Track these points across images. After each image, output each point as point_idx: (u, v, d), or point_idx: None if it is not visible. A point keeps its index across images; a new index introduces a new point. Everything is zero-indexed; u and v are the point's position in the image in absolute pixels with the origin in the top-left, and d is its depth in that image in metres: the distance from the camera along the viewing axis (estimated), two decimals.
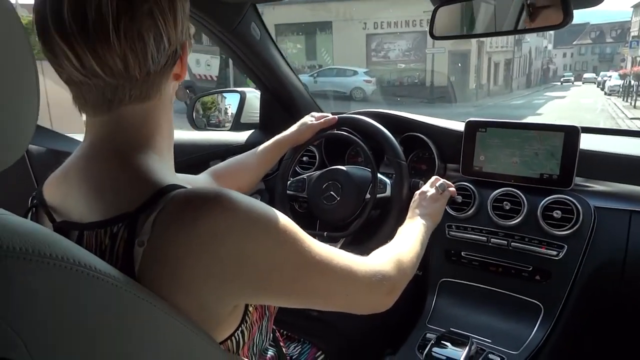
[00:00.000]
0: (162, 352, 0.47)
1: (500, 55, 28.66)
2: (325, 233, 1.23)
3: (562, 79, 48.74)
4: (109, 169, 0.57)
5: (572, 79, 48.75)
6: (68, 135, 1.28)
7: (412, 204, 1.03)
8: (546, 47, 51.26)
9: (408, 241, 0.87)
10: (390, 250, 0.79)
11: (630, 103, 19.60)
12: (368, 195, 1.21)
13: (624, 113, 16.27)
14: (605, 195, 1.14)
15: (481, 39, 14.08)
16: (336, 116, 1.29)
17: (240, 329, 0.60)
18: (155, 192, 0.53)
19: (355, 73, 17.25)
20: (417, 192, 1.06)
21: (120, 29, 0.51)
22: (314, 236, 0.61)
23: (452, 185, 1.11)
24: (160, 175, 0.57)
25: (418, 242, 0.88)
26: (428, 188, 1.06)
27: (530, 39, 35.96)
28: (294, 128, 1.25)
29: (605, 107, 19.14)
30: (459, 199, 1.24)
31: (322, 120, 1.25)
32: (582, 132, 1.13)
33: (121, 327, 0.43)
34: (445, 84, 21.15)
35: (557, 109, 19.53)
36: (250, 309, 0.61)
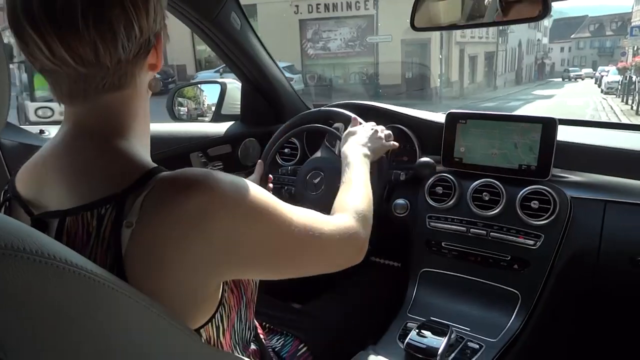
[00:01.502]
0: (140, 345, 0.46)
1: (477, 48, 23.92)
2: None
3: (571, 75, 41.83)
4: (91, 154, 0.57)
5: (582, 74, 41.24)
6: (41, 130, 1.26)
7: (353, 139, 1.04)
8: (540, 40, 45.83)
9: (361, 190, 0.88)
10: (351, 206, 0.81)
11: (632, 106, 15.35)
12: None
13: (619, 120, 12.21)
14: (581, 186, 1.17)
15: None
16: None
17: (218, 312, 0.60)
18: (144, 174, 0.54)
19: (290, 68, 14.03)
20: (362, 124, 1.09)
21: (89, 18, 0.50)
22: None
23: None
24: (145, 158, 0.58)
25: (368, 188, 0.90)
26: (368, 125, 1.09)
27: (517, 30, 31.24)
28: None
29: (597, 112, 15.60)
30: (440, 189, 1.26)
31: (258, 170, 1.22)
32: (560, 124, 1.15)
33: (98, 320, 0.42)
34: (398, 82, 17.18)
35: (532, 112, 15.88)
36: (226, 293, 0.62)
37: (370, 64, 17.53)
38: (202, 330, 0.58)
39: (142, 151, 0.60)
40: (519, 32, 32.23)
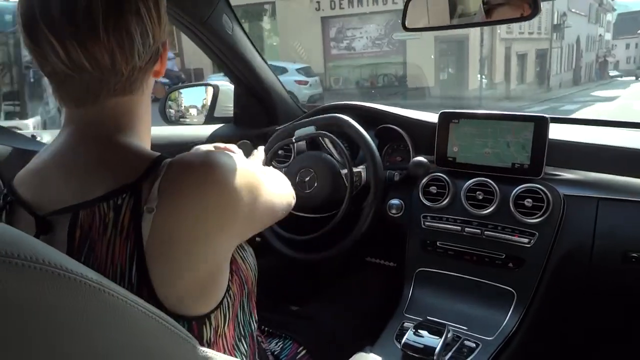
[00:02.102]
0: (138, 351, 0.46)
1: (527, 45, 21.11)
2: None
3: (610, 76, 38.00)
4: (99, 151, 0.58)
5: (621, 74, 38.83)
6: (33, 136, 1.25)
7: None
8: (601, 36, 39.29)
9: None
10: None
11: None
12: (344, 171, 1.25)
13: None
14: (573, 184, 1.17)
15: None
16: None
17: (225, 297, 0.63)
18: (152, 161, 0.56)
19: (283, 71, 12.40)
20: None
21: (109, 25, 0.53)
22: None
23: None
24: (149, 150, 0.61)
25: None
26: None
27: (575, 25, 26.37)
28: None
29: None
30: (434, 189, 1.26)
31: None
32: (551, 122, 1.16)
33: (93, 327, 0.42)
34: (430, 84, 15.21)
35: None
36: (230, 282, 0.64)
37: (400, 65, 15.76)
38: (212, 316, 0.60)
39: (146, 146, 0.63)
40: (576, 27, 27.71)
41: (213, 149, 1.00)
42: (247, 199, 0.61)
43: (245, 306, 0.71)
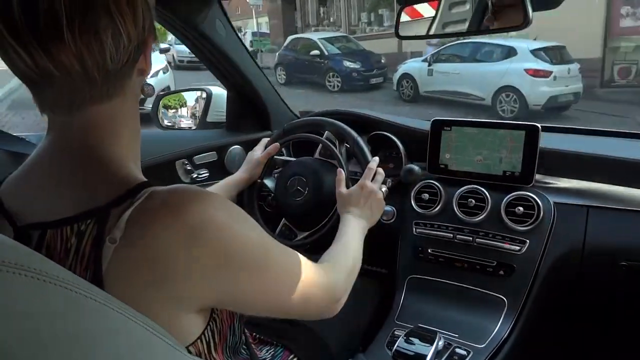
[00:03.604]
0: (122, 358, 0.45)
1: None
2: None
3: None
4: (75, 166, 0.55)
5: None
6: (24, 137, 1.23)
7: (359, 198, 1.05)
8: None
9: (355, 248, 0.92)
10: (342, 259, 0.85)
11: None
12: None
13: None
14: (564, 192, 1.18)
15: None
16: (277, 143, 1.32)
17: (209, 327, 0.59)
18: (131, 188, 0.52)
19: (509, 53, 7.95)
20: (364, 185, 1.07)
21: (75, 27, 0.47)
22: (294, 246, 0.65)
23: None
24: (132, 172, 0.56)
25: (361, 249, 0.94)
26: (376, 189, 1.08)
27: None
28: (242, 168, 1.30)
29: None
30: (426, 196, 1.26)
31: (265, 153, 1.30)
32: (542, 130, 1.17)
33: (78, 334, 0.41)
34: None
35: None
36: (218, 309, 0.61)
37: None
38: (191, 348, 0.56)
39: (131, 163, 0.57)
40: None
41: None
42: (245, 243, 0.55)
43: (237, 329, 0.68)
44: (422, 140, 1.32)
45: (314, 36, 13.10)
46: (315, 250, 1.25)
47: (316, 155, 1.40)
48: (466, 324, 1.12)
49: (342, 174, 1.11)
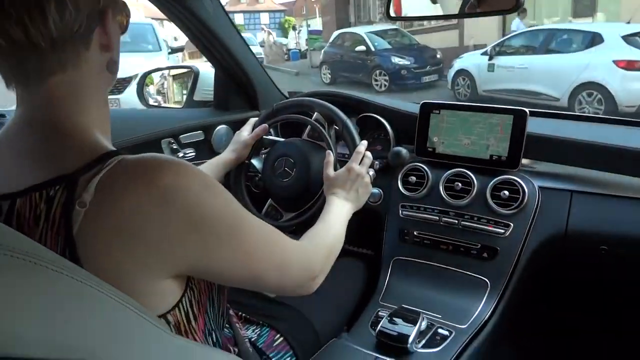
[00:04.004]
0: (100, 336, 0.44)
1: None
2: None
3: None
4: (41, 137, 0.55)
5: None
6: (4, 115, 1.21)
7: (345, 181, 1.06)
8: None
9: (337, 230, 0.92)
10: (323, 238, 0.85)
11: None
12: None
13: None
14: (549, 176, 1.19)
15: None
16: (266, 124, 1.30)
17: (186, 296, 0.59)
18: (99, 156, 0.53)
19: (594, 40, 6.13)
20: (352, 168, 1.07)
21: None
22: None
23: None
24: (100, 141, 0.56)
25: (343, 231, 0.95)
26: (364, 172, 1.08)
27: None
28: (230, 148, 1.28)
29: None
30: (413, 179, 1.27)
31: (253, 134, 1.28)
32: (530, 115, 1.17)
33: (55, 310, 0.41)
34: None
35: None
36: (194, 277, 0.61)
37: None
38: (168, 316, 0.57)
39: (98, 134, 0.58)
40: None
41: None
42: (207, 225, 0.55)
43: (216, 301, 0.68)
44: (410, 123, 1.32)
45: (361, 30, 11.73)
46: (301, 232, 1.26)
47: (304, 136, 1.39)
48: (449, 305, 1.14)
49: (330, 156, 1.11)
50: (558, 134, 1.20)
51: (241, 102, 1.66)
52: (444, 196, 1.22)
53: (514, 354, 1.37)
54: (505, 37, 8.02)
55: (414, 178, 1.27)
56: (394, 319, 1.00)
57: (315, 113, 1.27)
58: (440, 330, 1.06)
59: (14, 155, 0.55)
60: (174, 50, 7.60)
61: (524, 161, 1.21)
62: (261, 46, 19.06)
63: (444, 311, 1.12)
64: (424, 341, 1.02)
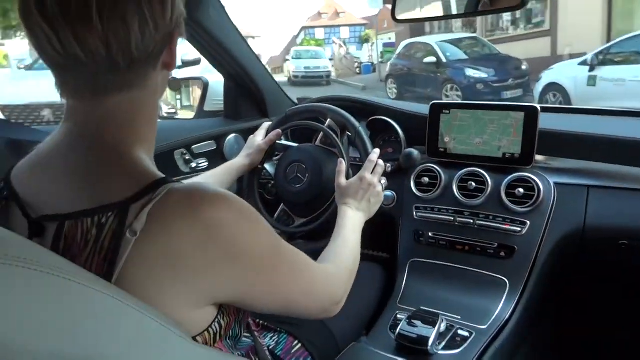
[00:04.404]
0: (133, 351, 0.45)
1: None
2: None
3: None
4: (95, 157, 0.56)
5: None
6: (29, 125, 1.22)
7: (357, 191, 1.06)
8: None
9: (355, 246, 0.94)
10: (343, 260, 0.86)
11: None
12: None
13: None
14: (564, 172, 1.18)
15: None
16: (279, 130, 1.31)
17: (217, 320, 0.60)
18: (151, 183, 0.53)
19: None
20: (364, 177, 1.07)
21: (104, 13, 0.49)
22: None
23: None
24: (150, 167, 0.57)
25: (357, 247, 0.95)
26: (376, 181, 1.08)
27: None
28: (243, 154, 1.29)
29: None
30: (426, 180, 1.26)
31: (267, 139, 1.30)
32: (542, 111, 1.17)
33: (88, 327, 0.41)
34: None
35: None
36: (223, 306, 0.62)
37: None
38: (198, 337, 0.57)
39: (147, 158, 0.59)
40: None
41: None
42: (258, 244, 0.58)
43: (240, 323, 0.69)
44: (421, 125, 1.32)
45: (431, 39, 10.34)
46: (313, 238, 1.26)
47: (317, 142, 1.40)
48: (468, 306, 1.13)
49: (342, 164, 1.11)
50: (571, 129, 1.19)
51: (251, 111, 1.67)
52: (457, 196, 1.21)
53: (536, 353, 1.35)
54: (613, 42, 6.37)
55: (426, 179, 1.27)
56: (413, 321, 0.99)
57: (328, 120, 1.28)
58: (460, 332, 1.05)
59: (65, 173, 0.56)
60: (185, 64, 7.58)
61: (538, 158, 1.20)
62: (330, 60, 18.65)
63: (463, 312, 1.11)
64: (444, 343, 1.01)
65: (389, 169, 1.30)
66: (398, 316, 1.12)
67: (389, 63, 11.33)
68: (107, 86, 0.54)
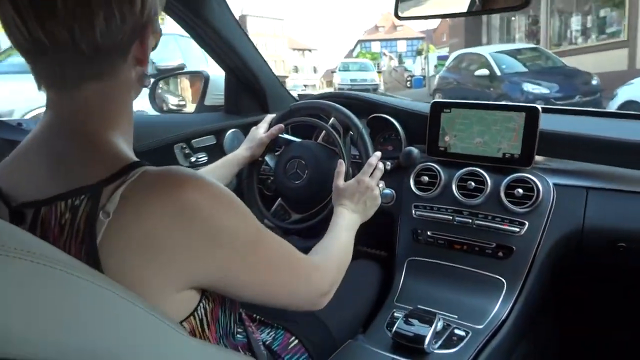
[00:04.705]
0: (123, 340, 0.45)
1: None
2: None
3: None
4: (71, 145, 0.56)
5: None
6: (20, 123, 1.22)
7: (354, 193, 1.06)
8: None
9: (345, 244, 0.93)
10: (332, 254, 0.86)
11: None
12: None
13: None
14: (563, 173, 1.18)
15: None
16: (282, 124, 1.31)
17: (201, 305, 0.60)
18: (125, 166, 0.54)
19: None
20: (362, 180, 1.08)
21: (69, 0, 0.50)
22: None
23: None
24: (124, 151, 0.57)
25: (352, 244, 0.96)
26: (373, 185, 1.09)
27: None
28: (244, 146, 1.29)
29: None
30: (425, 179, 1.26)
31: (269, 133, 1.30)
32: (542, 112, 1.16)
33: (78, 316, 0.41)
34: None
35: None
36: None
37: None
38: (184, 323, 0.58)
39: (123, 144, 0.59)
40: None
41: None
42: (238, 229, 0.57)
43: (227, 309, 0.68)
44: (421, 123, 1.32)
45: (485, 50, 9.23)
46: (307, 235, 1.26)
47: (319, 139, 1.39)
48: (465, 305, 1.13)
49: (342, 166, 1.11)
50: (572, 130, 1.19)
51: (252, 106, 1.67)
52: (457, 195, 1.21)
53: (532, 354, 1.35)
54: None
55: (426, 178, 1.27)
56: (410, 319, 0.99)
57: (332, 118, 1.27)
58: (456, 331, 1.06)
59: (42, 161, 0.56)
60: (160, 72, 7.52)
61: (538, 158, 1.20)
62: (379, 72, 18.14)
63: (460, 311, 1.11)
64: (440, 342, 1.01)
65: (389, 167, 1.30)
66: (395, 314, 1.12)
67: (437, 76, 10.42)
68: (76, 75, 0.55)
